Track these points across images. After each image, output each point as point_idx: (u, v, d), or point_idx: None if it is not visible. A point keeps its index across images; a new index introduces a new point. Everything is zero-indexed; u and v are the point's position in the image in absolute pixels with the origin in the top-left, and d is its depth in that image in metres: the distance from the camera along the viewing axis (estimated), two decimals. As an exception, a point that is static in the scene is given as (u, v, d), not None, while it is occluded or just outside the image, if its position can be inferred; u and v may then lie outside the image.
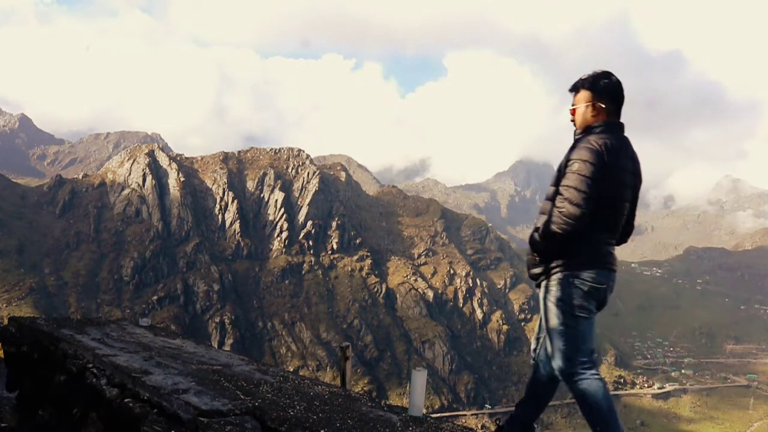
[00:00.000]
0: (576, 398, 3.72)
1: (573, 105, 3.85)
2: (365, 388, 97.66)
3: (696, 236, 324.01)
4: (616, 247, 3.94)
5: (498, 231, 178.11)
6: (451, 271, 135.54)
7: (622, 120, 3.84)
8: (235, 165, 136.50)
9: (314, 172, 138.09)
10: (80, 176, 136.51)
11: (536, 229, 3.73)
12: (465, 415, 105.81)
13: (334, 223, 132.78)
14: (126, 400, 4.26)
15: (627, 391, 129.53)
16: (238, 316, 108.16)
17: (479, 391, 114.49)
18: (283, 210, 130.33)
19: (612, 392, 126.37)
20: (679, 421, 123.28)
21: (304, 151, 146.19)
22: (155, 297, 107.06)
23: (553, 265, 3.68)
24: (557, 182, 3.68)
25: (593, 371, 3.73)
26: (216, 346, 8.25)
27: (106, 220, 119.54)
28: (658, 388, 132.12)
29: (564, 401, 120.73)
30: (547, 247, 3.66)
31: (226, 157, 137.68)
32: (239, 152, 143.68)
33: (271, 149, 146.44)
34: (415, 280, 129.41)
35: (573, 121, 3.88)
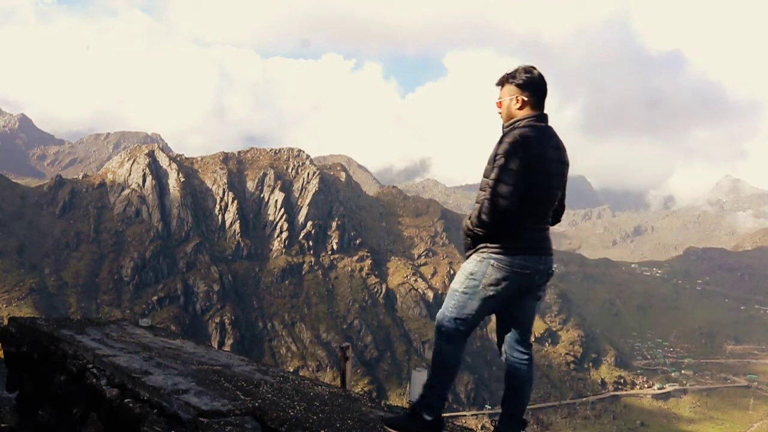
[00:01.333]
0: (434, 348, 4.04)
1: (499, 99, 4.02)
2: (365, 389, 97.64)
3: (696, 236, 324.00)
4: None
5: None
6: (451, 272, 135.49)
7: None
8: (235, 165, 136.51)
9: (314, 173, 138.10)
10: (80, 176, 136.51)
11: (469, 217, 3.94)
12: (465, 415, 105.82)
13: (334, 224, 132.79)
14: (126, 400, 4.26)
15: (627, 391, 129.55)
16: (238, 317, 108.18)
17: (479, 392, 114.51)
18: (283, 210, 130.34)
19: (612, 392, 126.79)
20: (679, 421, 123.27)
21: (304, 152, 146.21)
22: (155, 297, 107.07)
23: (480, 246, 3.90)
24: (488, 174, 3.86)
25: (462, 339, 3.98)
26: (216, 346, 8.26)
27: (106, 221, 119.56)
28: (658, 389, 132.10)
29: (564, 401, 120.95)
30: (478, 234, 3.87)
31: (226, 158, 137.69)
32: (239, 152, 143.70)
33: (271, 149, 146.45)
34: (415, 281, 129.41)
35: (500, 114, 4.06)
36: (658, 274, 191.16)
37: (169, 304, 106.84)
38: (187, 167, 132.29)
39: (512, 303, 3.97)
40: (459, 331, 3.95)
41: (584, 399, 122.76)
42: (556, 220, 4.20)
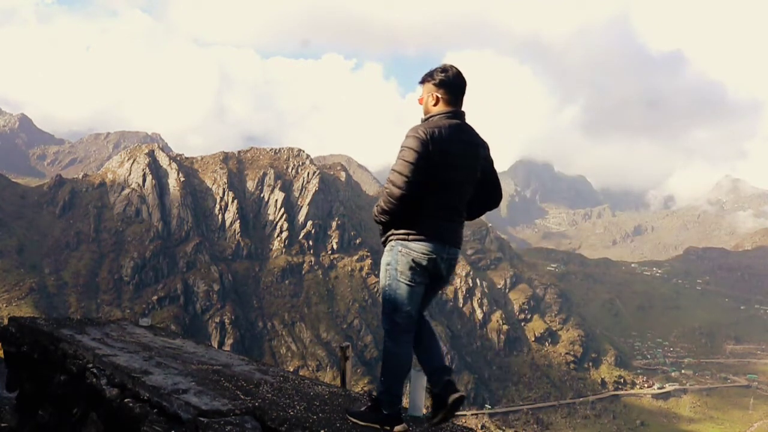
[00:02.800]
0: (383, 350, 4.15)
1: (419, 96, 4.23)
2: (365, 388, 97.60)
3: (696, 236, 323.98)
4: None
5: (498, 231, 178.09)
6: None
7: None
8: (235, 165, 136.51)
9: (314, 172, 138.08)
10: (80, 176, 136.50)
11: (376, 206, 4.15)
12: (465, 415, 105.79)
13: (334, 223, 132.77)
14: (126, 400, 4.27)
15: (627, 391, 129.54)
16: (238, 316, 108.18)
17: (479, 391, 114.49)
18: (283, 210, 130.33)
19: (612, 392, 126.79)
20: (679, 421, 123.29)
21: (304, 151, 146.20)
22: (155, 297, 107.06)
23: (389, 233, 4.10)
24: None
25: (405, 335, 4.10)
26: (216, 346, 8.26)
27: (106, 220, 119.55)
28: (658, 388, 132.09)
29: (564, 401, 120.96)
30: (381, 221, 4.08)
31: (226, 157, 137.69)
32: (239, 152, 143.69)
33: (271, 149, 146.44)
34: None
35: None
36: (658, 274, 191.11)
37: (169, 304, 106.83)
38: (187, 167, 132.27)
39: (431, 288, 4.17)
40: (399, 326, 4.07)
41: (584, 399, 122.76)
42: (474, 214, 4.34)
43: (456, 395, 4.12)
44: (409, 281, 4.02)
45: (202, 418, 3.74)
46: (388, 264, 4.07)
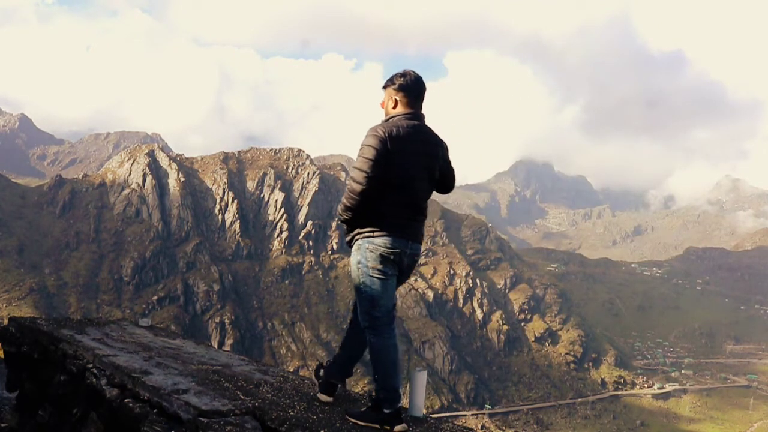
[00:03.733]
0: (368, 347, 4.33)
1: (381, 100, 4.45)
2: (365, 388, 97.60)
3: (696, 236, 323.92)
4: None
5: (498, 231, 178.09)
6: (451, 272, 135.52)
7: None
8: (235, 165, 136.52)
9: (314, 172, 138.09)
10: (80, 176, 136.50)
11: (340, 204, 4.31)
12: (465, 415, 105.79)
13: (334, 223, 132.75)
14: (126, 400, 4.27)
15: (627, 391, 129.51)
16: (238, 316, 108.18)
17: (479, 391, 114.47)
18: (283, 210, 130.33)
19: (612, 392, 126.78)
20: (679, 421, 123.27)
21: (304, 151, 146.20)
22: (155, 297, 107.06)
23: (355, 232, 4.27)
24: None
25: (387, 328, 4.25)
26: (216, 346, 8.26)
27: (106, 220, 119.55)
28: (658, 388, 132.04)
29: (564, 401, 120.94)
30: (344, 218, 4.26)
31: (226, 157, 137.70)
32: (239, 152, 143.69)
33: (271, 149, 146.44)
34: (415, 281, 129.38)
35: None
36: (658, 274, 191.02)
37: (169, 304, 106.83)
38: (187, 167, 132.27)
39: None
40: (379, 320, 4.23)
41: (584, 399, 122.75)
42: (442, 191, 4.60)
43: (400, 427, 4.18)
44: (381, 275, 4.19)
45: (202, 418, 3.74)
46: (359, 262, 4.22)
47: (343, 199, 4.18)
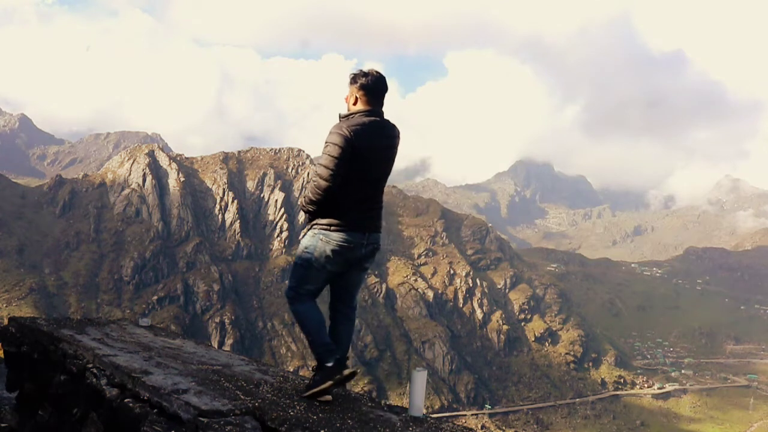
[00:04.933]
0: (293, 315, 4.67)
1: (345, 96, 4.68)
2: (365, 388, 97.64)
3: (696, 236, 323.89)
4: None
5: (498, 231, 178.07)
6: (451, 271, 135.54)
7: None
8: (235, 165, 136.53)
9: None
10: (80, 176, 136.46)
11: (303, 196, 4.58)
12: (465, 415, 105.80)
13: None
14: (126, 400, 4.27)
15: (627, 391, 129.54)
16: (238, 316, 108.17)
17: (479, 391, 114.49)
18: (283, 210, 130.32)
19: (612, 392, 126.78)
20: (679, 421, 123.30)
21: (304, 151, 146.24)
22: (155, 297, 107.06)
23: (314, 222, 4.53)
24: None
25: (309, 297, 4.60)
26: (216, 346, 8.25)
27: (106, 220, 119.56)
28: (658, 388, 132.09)
29: (564, 401, 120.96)
30: (307, 210, 4.51)
31: (226, 157, 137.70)
32: (239, 152, 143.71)
33: (271, 149, 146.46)
34: (415, 280, 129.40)
35: None
36: (658, 274, 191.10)
37: (169, 304, 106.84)
38: (187, 167, 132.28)
39: (342, 273, 4.60)
40: (302, 296, 4.59)
41: (584, 399, 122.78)
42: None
43: (348, 371, 4.48)
44: (320, 267, 4.48)
45: (202, 418, 3.74)
46: (306, 247, 4.51)
47: (309, 193, 4.42)
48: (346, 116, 4.48)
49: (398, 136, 4.64)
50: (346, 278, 4.67)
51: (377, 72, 4.56)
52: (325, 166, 4.30)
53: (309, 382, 4.54)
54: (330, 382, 4.36)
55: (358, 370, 4.67)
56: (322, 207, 4.41)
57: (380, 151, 4.46)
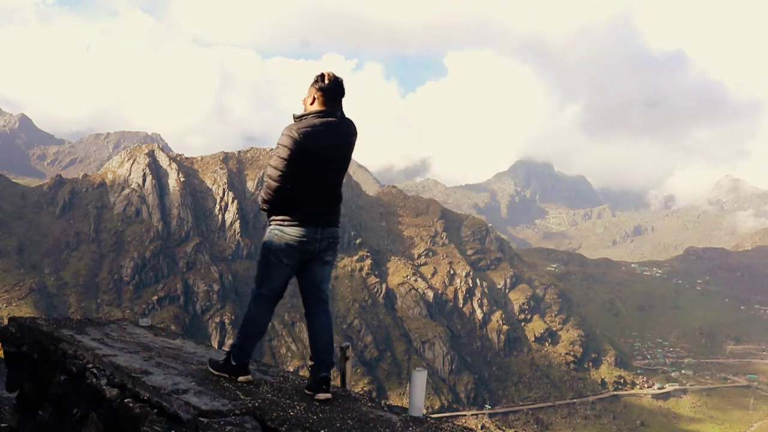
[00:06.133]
0: (247, 311, 4.97)
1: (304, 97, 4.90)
2: (365, 388, 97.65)
3: (696, 236, 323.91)
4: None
5: (498, 231, 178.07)
6: (451, 272, 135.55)
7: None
8: (235, 165, 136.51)
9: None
10: (80, 176, 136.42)
11: (260, 196, 4.84)
12: (465, 415, 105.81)
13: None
14: (126, 400, 4.27)
15: (627, 391, 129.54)
16: (238, 316, 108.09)
17: (479, 392, 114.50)
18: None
19: (612, 392, 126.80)
20: (679, 421, 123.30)
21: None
22: (155, 297, 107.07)
23: (271, 218, 4.77)
24: None
25: (268, 304, 4.89)
26: (216, 346, 8.27)
27: (106, 220, 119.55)
28: (658, 388, 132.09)
29: (564, 401, 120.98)
30: (263, 208, 4.77)
31: (226, 157, 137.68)
32: (239, 152, 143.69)
33: (271, 149, 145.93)
34: (415, 281, 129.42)
35: None
36: (658, 274, 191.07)
37: (169, 304, 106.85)
38: (187, 167, 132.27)
39: (303, 268, 4.82)
40: (263, 295, 4.85)
41: (584, 399, 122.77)
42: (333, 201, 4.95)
43: (323, 396, 4.58)
44: (277, 261, 4.71)
45: (202, 418, 3.74)
46: (265, 244, 4.77)
47: (262, 193, 4.71)
48: (300, 117, 4.68)
49: (354, 134, 4.80)
50: (309, 273, 4.86)
51: (336, 76, 4.76)
52: (274, 167, 4.55)
53: (221, 360, 4.91)
54: (225, 375, 4.77)
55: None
56: (276, 205, 4.66)
57: (332, 151, 4.62)
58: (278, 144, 4.56)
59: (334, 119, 4.68)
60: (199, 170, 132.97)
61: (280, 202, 4.65)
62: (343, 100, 4.83)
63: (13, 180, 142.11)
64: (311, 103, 4.73)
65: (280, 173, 4.53)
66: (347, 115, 4.83)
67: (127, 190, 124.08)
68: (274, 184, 4.58)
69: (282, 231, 4.66)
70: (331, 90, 4.70)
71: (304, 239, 4.64)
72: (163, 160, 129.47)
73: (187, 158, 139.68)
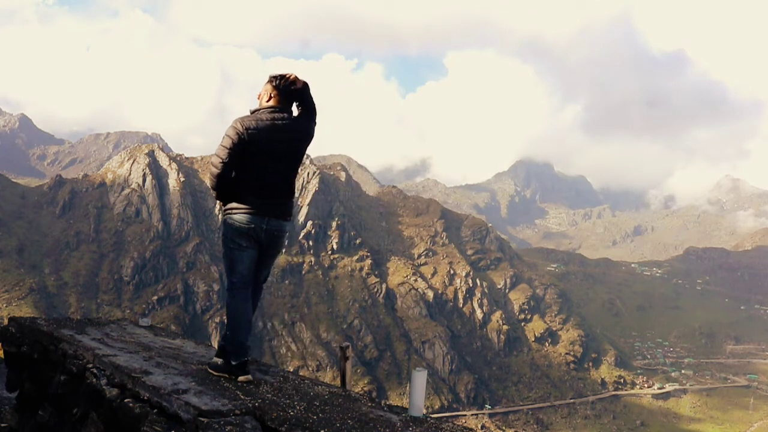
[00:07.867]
0: (226, 307, 5.18)
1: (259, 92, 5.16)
2: (365, 388, 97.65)
3: (696, 236, 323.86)
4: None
5: (498, 231, 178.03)
6: (451, 272, 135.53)
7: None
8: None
9: (314, 172, 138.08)
10: (80, 176, 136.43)
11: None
12: (465, 415, 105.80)
13: (334, 223, 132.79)
14: (126, 400, 4.27)
15: (627, 391, 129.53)
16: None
17: (479, 391, 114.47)
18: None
19: (612, 392, 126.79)
20: (679, 421, 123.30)
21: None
22: (155, 297, 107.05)
23: (224, 208, 5.01)
24: None
25: (242, 291, 5.01)
26: (216, 346, 8.25)
27: (106, 220, 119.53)
28: (658, 388, 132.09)
29: (564, 401, 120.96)
30: (213, 195, 5.06)
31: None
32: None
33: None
34: (415, 281, 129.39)
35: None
36: (658, 274, 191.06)
37: (169, 304, 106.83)
38: (187, 167, 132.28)
39: (260, 255, 5.05)
40: (234, 284, 5.00)
41: (584, 399, 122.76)
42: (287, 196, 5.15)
43: (244, 378, 4.78)
44: (236, 246, 4.93)
45: (202, 418, 3.74)
46: (223, 234, 5.02)
47: (206, 179, 5.19)
48: (253, 111, 4.95)
49: (306, 133, 5.02)
50: (259, 262, 5.13)
51: (294, 76, 5.01)
52: (217, 155, 4.79)
53: (214, 361, 4.99)
54: (225, 376, 4.80)
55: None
56: (222, 191, 4.91)
57: (277, 144, 4.84)
58: (224, 134, 4.79)
59: (284, 116, 4.92)
60: (199, 170, 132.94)
61: (222, 189, 4.89)
62: (315, 102, 5.11)
63: (13, 180, 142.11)
64: (267, 100, 4.98)
65: (221, 161, 4.75)
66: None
67: (127, 190, 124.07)
68: (215, 170, 4.81)
69: (231, 218, 4.91)
70: (285, 90, 4.96)
71: (251, 226, 4.87)
72: (163, 160, 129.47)
73: (187, 158, 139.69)
